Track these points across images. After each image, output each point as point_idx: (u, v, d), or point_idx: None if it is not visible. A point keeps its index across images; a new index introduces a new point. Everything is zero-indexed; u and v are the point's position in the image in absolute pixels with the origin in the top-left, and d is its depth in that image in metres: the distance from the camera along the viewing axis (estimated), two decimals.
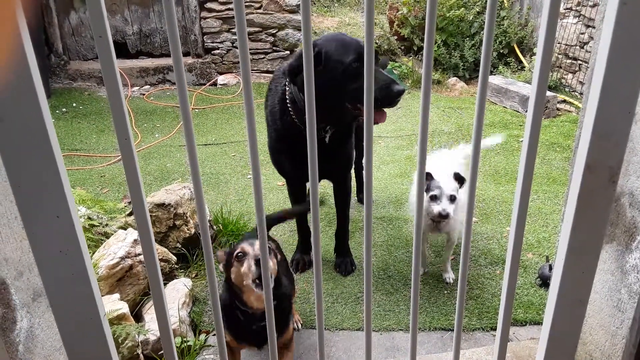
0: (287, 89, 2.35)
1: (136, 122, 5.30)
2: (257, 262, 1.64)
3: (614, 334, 1.36)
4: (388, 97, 2.22)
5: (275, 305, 1.76)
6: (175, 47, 0.93)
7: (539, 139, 1.12)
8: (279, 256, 1.85)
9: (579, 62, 5.79)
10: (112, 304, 2.15)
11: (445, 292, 2.61)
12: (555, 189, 3.70)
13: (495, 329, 2.31)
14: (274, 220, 2.38)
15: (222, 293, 1.84)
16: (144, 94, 6.00)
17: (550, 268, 2.54)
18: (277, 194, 3.74)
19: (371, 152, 1.12)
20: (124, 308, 2.11)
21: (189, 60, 6.26)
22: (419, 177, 1.16)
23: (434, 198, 2.37)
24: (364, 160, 2.44)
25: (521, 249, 1.24)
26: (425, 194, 2.39)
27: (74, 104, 5.69)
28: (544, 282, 2.57)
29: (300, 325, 2.39)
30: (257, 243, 1.72)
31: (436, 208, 2.35)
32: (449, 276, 2.72)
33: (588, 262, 1.15)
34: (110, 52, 0.92)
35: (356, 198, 3.60)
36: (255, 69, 6.40)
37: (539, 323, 2.33)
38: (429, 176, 2.38)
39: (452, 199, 2.36)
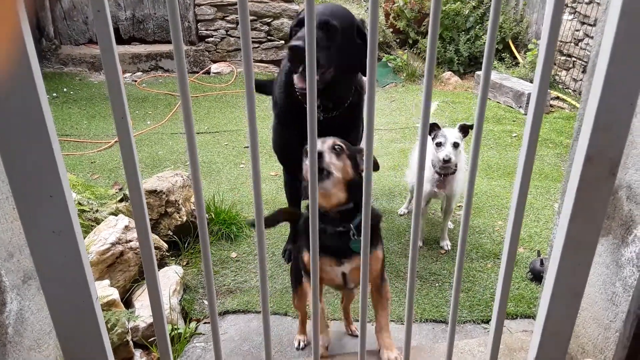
0: None
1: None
2: (320, 155, 1.50)
3: (607, 327, 1.36)
4: (287, 55, 2.18)
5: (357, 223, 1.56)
6: (176, 35, 0.91)
7: (538, 137, 1.11)
8: (347, 161, 1.64)
9: (574, 59, 5.81)
10: (103, 290, 2.12)
11: (437, 284, 2.61)
12: (547, 185, 3.72)
13: (486, 322, 2.33)
14: (272, 221, 2.16)
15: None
16: (136, 81, 5.93)
17: (542, 263, 2.55)
18: (269, 183, 3.72)
19: (372, 145, 1.11)
20: (115, 294, 2.09)
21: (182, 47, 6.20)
22: (420, 149, 1.15)
23: (439, 145, 2.62)
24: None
25: (517, 243, 1.24)
26: (431, 141, 2.64)
27: (65, 89, 5.61)
28: (535, 276, 2.58)
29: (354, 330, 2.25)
30: (329, 140, 1.63)
31: (441, 154, 2.60)
32: (446, 243, 2.93)
33: (585, 255, 1.14)
34: (108, 27, 0.89)
35: None
36: None
37: (529, 316, 2.34)
38: (436, 126, 2.65)
39: (456, 145, 2.61)
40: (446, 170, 2.70)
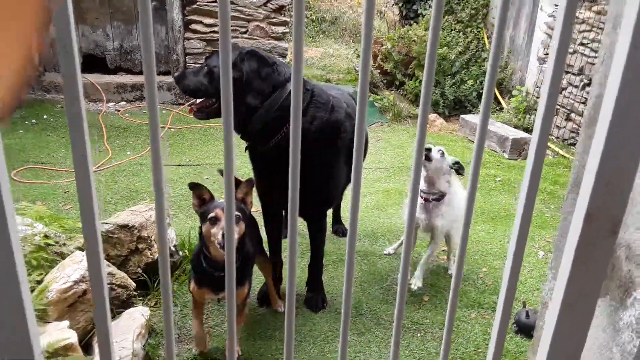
0: None
1: (108, 138, 5.12)
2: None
3: None
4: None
5: (237, 264, 1.86)
6: (148, 61, 0.82)
7: (538, 187, 1.03)
8: (243, 225, 2.01)
9: (557, 106, 5.88)
10: (60, 332, 1.97)
11: (418, 334, 2.49)
12: (531, 231, 3.65)
13: None
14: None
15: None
16: (119, 110, 5.83)
17: (527, 314, 2.46)
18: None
19: (359, 191, 1.01)
20: (72, 337, 1.93)
21: (169, 79, 6.13)
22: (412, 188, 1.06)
23: (427, 158, 2.60)
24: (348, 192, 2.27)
25: (512, 300, 1.14)
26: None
27: (45, 116, 5.48)
28: (520, 328, 2.48)
29: (282, 309, 2.55)
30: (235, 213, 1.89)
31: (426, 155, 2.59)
32: (416, 282, 2.82)
33: (583, 318, 1.05)
34: (74, 58, 0.80)
35: (331, 229, 3.48)
36: None
37: None
38: (427, 150, 2.62)
39: (442, 153, 2.65)
40: (429, 195, 2.66)
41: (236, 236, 1.88)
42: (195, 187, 2.04)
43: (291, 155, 0.92)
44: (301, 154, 2.25)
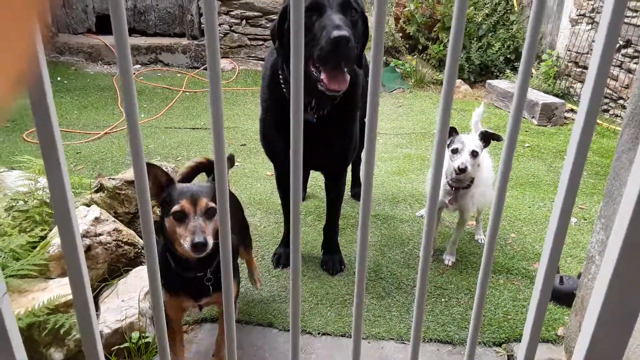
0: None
1: (122, 101, 5.00)
2: (195, 229, 1.43)
3: None
4: (326, 48, 1.76)
5: (215, 266, 1.57)
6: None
7: (586, 156, 0.85)
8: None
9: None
10: (62, 289, 1.87)
11: (442, 300, 2.34)
12: None
13: (498, 345, 2.05)
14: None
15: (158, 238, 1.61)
16: (133, 73, 5.70)
17: (561, 280, 2.28)
18: (264, 183, 3.46)
19: (374, 146, 0.84)
20: None
21: (184, 41, 5.97)
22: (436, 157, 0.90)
23: (455, 152, 2.25)
24: (362, 154, 2.09)
25: (556, 265, 0.97)
26: (446, 148, 2.23)
27: (59, 78, 5.39)
28: (554, 295, 2.30)
29: (259, 286, 2.32)
30: (202, 200, 1.46)
31: (455, 162, 2.23)
32: (450, 258, 2.61)
33: None
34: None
35: (350, 193, 3.33)
36: (252, 55, 6.12)
37: (549, 340, 2.06)
38: (453, 131, 2.27)
39: (474, 154, 2.23)
40: (459, 183, 2.35)
41: (210, 240, 1.42)
42: (147, 167, 1.64)
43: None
44: (339, 113, 1.98)
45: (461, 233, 2.65)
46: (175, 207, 1.44)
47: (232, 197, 1.94)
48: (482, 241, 2.64)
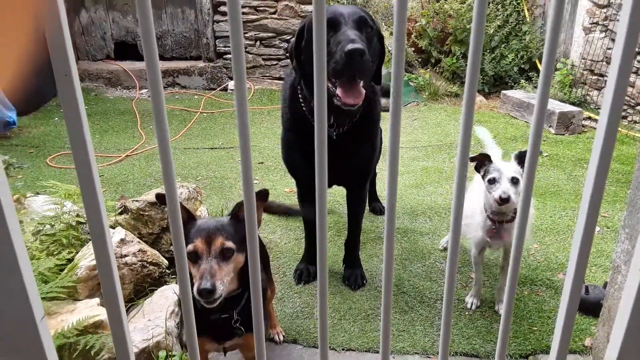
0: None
1: (142, 124, 5.11)
2: (204, 273, 1.35)
3: None
4: (341, 62, 1.79)
5: (242, 306, 1.51)
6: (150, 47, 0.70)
7: (609, 167, 0.86)
8: (241, 257, 1.44)
9: (605, 78, 5.52)
10: (90, 310, 1.90)
11: (467, 313, 2.32)
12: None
13: (525, 357, 2.03)
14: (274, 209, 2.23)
15: None
16: None
17: (587, 290, 2.25)
18: (283, 200, 3.49)
19: (397, 158, 0.87)
20: (103, 314, 1.86)
21: (200, 64, 6.09)
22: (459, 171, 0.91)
23: (492, 181, 2.01)
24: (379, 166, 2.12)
25: (584, 275, 0.97)
26: (482, 179, 2.08)
27: None
28: (580, 305, 2.27)
29: (282, 337, 2.13)
30: (218, 239, 1.39)
31: (495, 192, 1.97)
32: (502, 306, 2.32)
33: None
34: (75, 92, 0.71)
35: (368, 207, 3.34)
36: (267, 75, 6.21)
37: (575, 352, 2.04)
38: (488, 159, 2.06)
39: (515, 181, 1.98)
40: (502, 216, 2.08)
41: (219, 287, 1.35)
42: (163, 198, 1.57)
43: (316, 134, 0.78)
44: (359, 129, 1.99)
45: (507, 277, 2.36)
46: (189, 247, 1.37)
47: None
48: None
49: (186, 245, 1.34)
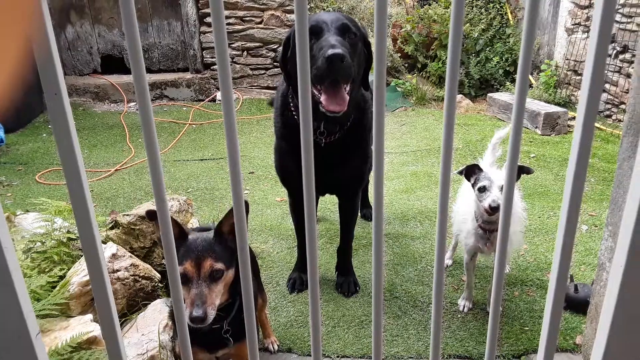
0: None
1: (130, 137, 5.10)
2: (195, 299, 1.37)
3: None
4: (322, 67, 1.81)
5: (233, 316, 1.53)
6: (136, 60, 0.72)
7: (587, 164, 0.89)
8: (229, 272, 1.46)
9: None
10: (83, 326, 1.90)
11: (459, 315, 2.34)
12: None
13: (517, 357, 2.05)
14: None
15: None
16: None
17: (576, 288, 2.28)
18: (274, 209, 3.50)
19: (382, 164, 0.89)
20: (96, 330, 1.86)
21: (188, 75, 6.10)
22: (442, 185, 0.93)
23: (482, 190, 2.01)
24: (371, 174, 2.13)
25: (567, 274, 1.00)
26: (472, 188, 2.09)
27: None
28: (569, 304, 2.30)
29: (276, 347, 2.14)
30: (207, 262, 1.40)
31: (485, 201, 1.97)
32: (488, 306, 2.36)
33: None
34: (64, 110, 0.73)
35: (360, 214, 3.36)
36: (255, 84, 6.23)
37: (566, 350, 2.06)
38: (476, 168, 2.07)
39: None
40: (492, 225, 2.09)
41: (211, 313, 1.38)
42: (154, 215, 1.55)
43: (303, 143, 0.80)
44: (350, 137, 2.03)
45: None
46: (179, 270, 1.36)
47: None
48: (508, 269, 2.53)
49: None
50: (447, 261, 2.78)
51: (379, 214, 0.95)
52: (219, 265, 1.41)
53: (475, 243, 2.17)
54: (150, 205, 2.62)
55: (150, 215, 1.49)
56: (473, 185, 2.07)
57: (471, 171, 2.07)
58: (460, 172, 2.09)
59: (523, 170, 2.00)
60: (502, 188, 1.95)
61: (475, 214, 2.14)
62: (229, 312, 1.54)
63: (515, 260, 2.75)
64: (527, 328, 2.20)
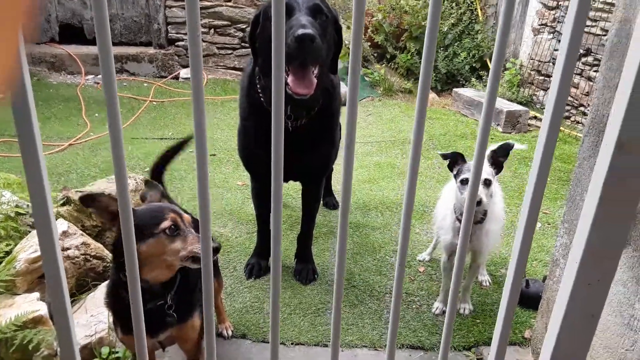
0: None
1: (87, 111, 4.91)
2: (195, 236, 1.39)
3: (622, 357, 1.14)
4: (292, 46, 1.75)
5: (181, 288, 1.49)
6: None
7: (550, 165, 0.91)
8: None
9: (552, 79, 5.75)
10: (29, 305, 1.82)
11: (414, 306, 2.37)
12: None
13: (468, 349, 2.09)
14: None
15: (111, 269, 1.53)
16: (98, 83, 5.61)
17: (527, 283, 2.35)
18: (235, 193, 3.45)
19: (352, 152, 0.88)
20: (42, 310, 1.78)
21: (150, 50, 5.91)
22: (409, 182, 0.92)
23: (464, 182, 1.94)
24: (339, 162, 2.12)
25: (524, 268, 1.01)
26: (454, 179, 2.04)
27: None
28: (520, 298, 2.36)
29: (230, 332, 2.10)
30: (184, 214, 1.45)
31: (466, 194, 1.93)
32: (466, 307, 2.31)
33: (607, 267, 0.93)
34: (24, 83, 0.67)
35: (322, 201, 3.34)
36: (221, 64, 6.10)
37: (515, 343, 2.12)
38: (459, 158, 1.99)
39: (487, 183, 1.92)
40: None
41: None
42: (88, 200, 1.34)
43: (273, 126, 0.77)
44: (317, 123, 2.00)
45: (472, 279, 2.33)
46: (165, 223, 1.34)
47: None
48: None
49: (149, 229, 1.33)
50: (426, 256, 2.74)
51: (345, 202, 0.93)
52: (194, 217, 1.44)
53: (452, 239, 2.12)
54: (106, 182, 2.53)
55: (85, 201, 1.35)
56: (455, 176, 2.02)
57: (455, 161, 2.01)
58: (445, 157, 2.02)
59: (508, 148, 2.00)
60: (484, 182, 1.91)
61: (454, 206, 2.09)
62: (171, 286, 1.49)
63: None
64: (478, 320, 2.25)
